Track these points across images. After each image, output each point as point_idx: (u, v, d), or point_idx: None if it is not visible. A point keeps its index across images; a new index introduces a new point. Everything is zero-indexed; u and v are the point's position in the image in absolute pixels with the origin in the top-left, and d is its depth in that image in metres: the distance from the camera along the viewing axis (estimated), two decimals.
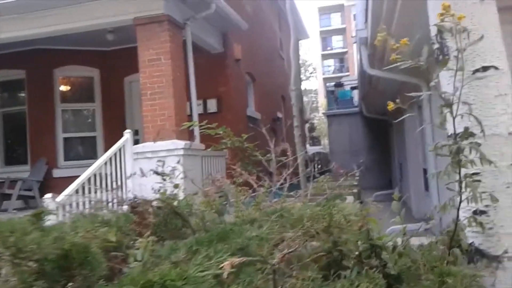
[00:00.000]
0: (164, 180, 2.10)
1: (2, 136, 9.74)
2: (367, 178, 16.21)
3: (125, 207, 2.00)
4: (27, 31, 7.22)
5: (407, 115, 5.67)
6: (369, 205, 2.69)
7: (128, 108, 9.79)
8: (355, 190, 6.67)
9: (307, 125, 30.64)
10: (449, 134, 1.34)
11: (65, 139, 9.59)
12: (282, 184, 3.16)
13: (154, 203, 1.65)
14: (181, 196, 1.98)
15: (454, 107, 1.29)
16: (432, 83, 1.40)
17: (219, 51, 9.20)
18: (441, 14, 1.32)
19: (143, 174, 2.28)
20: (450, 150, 1.25)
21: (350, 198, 6.27)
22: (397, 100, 1.45)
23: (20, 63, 9.20)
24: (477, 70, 1.43)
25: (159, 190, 2.00)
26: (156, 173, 2.13)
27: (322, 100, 48.59)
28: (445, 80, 1.48)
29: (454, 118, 1.30)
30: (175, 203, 1.71)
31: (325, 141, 42.86)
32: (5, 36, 7.30)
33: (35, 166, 9.15)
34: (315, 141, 46.05)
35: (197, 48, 8.03)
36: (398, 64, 1.41)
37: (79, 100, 9.91)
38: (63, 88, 9.78)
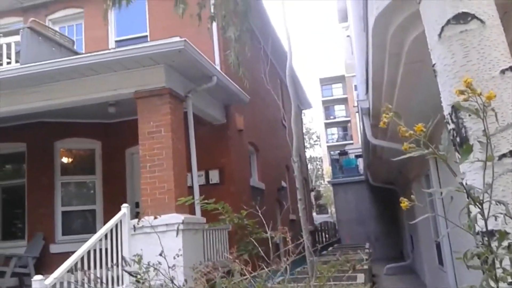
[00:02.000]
0: (138, 282, 1.85)
1: (0, 210, 9.53)
2: (377, 248, 15.63)
3: None
4: (29, 104, 7.24)
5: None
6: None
7: (129, 180, 9.63)
8: (365, 266, 6.26)
9: (312, 193, 30.27)
10: (477, 232, 1.09)
11: (64, 212, 9.36)
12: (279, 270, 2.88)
13: None
14: None
15: (486, 205, 1.05)
16: (458, 179, 1.16)
17: (221, 122, 9.18)
18: (461, 92, 1.12)
19: (126, 263, 2.03)
20: (483, 260, 1.01)
21: (361, 276, 5.87)
22: (412, 196, 1.22)
23: (21, 136, 9.19)
24: (504, 155, 1.18)
25: (138, 282, 1.74)
26: (128, 273, 1.88)
27: (327, 168, 48.52)
28: (465, 165, 1.25)
29: (486, 221, 1.06)
30: None
31: (332, 208, 42.23)
32: (6, 109, 7.33)
33: (31, 241, 8.88)
34: (322, 209, 45.38)
35: (198, 120, 8.00)
36: (412, 154, 1.19)
37: (80, 172, 9.80)
38: (64, 160, 9.70)
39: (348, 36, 16.14)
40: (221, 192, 8.33)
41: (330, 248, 14.08)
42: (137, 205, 8.93)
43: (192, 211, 6.94)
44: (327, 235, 21.81)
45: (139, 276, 1.83)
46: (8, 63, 7.90)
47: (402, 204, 1.22)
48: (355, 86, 27.07)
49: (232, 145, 9.41)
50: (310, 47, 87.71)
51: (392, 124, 1.38)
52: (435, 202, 6.88)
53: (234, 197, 8.65)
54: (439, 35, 1.34)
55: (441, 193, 1.23)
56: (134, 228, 4.18)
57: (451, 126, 1.27)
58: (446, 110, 1.31)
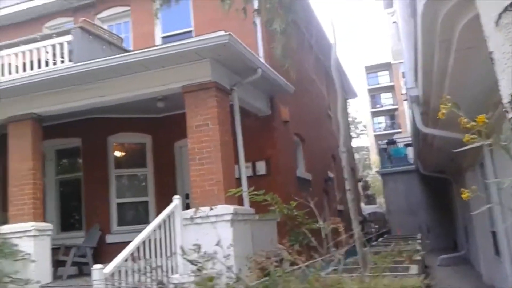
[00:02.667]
0: (200, 270, 1.93)
1: (59, 203, 10.03)
2: (429, 239, 15.24)
3: None
4: (83, 101, 7.56)
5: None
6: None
7: (178, 172, 9.87)
8: (418, 257, 6.13)
9: (360, 184, 29.81)
10: None
11: (118, 204, 9.71)
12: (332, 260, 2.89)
13: None
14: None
15: None
16: None
17: (266, 114, 9.23)
18: None
19: (183, 253, 2.12)
20: None
21: (414, 267, 5.76)
22: (474, 187, 1.20)
23: (76, 131, 9.61)
24: None
25: (199, 270, 1.83)
26: (189, 261, 1.96)
27: (374, 157, 47.66)
28: None
29: None
30: None
31: (380, 199, 41.46)
32: (62, 106, 7.72)
33: (89, 232, 9.26)
34: (370, 199, 44.61)
35: (244, 112, 8.07)
36: (474, 145, 1.17)
37: (132, 165, 10.12)
38: (117, 154, 10.05)
39: (394, 22, 15.71)
40: (268, 183, 8.39)
41: (381, 239, 13.87)
42: (187, 196, 9.15)
43: (240, 203, 7.04)
44: (376, 226, 21.50)
45: (199, 265, 1.91)
46: (62, 62, 8.23)
47: (463, 195, 1.21)
48: (403, 73, 26.36)
49: (278, 136, 9.44)
50: (354, 35, 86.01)
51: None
52: (491, 191, 6.64)
53: (281, 188, 8.68)
54: (496, 22, 1.30)
55: (502, 183, 1.21)
56: (192, 218, 4.34)
57: (510, 114, 1.23)
58: (506, 99, 1.27)
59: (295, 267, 2.57)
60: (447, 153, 9.89)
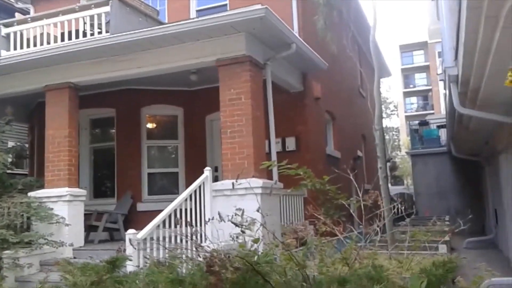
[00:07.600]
0: (243, 232, 2.00)
1: (92, 170, 10.32)
2: (457, 222, 15.09)
3: (203, 255, 1.91)
4: (118, 72, 7.70)
5: None
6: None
7: (209, 145, 10.00)
8: (446, 238, 6.12)
9: (388, 164, 29.53)
10: None
11: (149, 174, 9.92)
12: (368, 233, 2.92)
13: (233, 259, 1.53)
14: (260, 248, 1.85)
15: None
16: None
17: (298, 90, 9.18)
18: None
19: (221, 219, 2.19)
20: None
21: (443, 247, 5.77)
22: None
23: (111, 102, 9.79)
24: None
25: (237, 237, 1.90)
26: (235, 224, 2.03)
27: (404, 138, 46.95)
28: None
29: None
30: (255, 258, 1.57)
31: (408, 181, 41.04)
32: (97, 77, 7.89)
33: (121, 199, 9.52)
34: (397, 180, 44.19)
35: (276, 87, 8.06)
36: None
37: (164, 137, 10.30)
38: (149, 125, 10.23)
39: None
40: (296, 159, 8.28)
41: (407, 219, 13.78)
42: (216, 169, 9.28)
43: (269, 177, 7.10)
44: (403, 207, 21.34)
45: (243, 227, 1.99)
46: (99, 33, 8.34)
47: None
48: (439, 53, 25.57)
49: (309, 113, 9.40)
50: (389, 12, 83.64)
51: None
52: None
53: (310, 165, 8.57)
54: None
55: None
56: (233, 186, 4.45)
57: None
58: None
59: (331, 238, 2.62)
60: (482, 135, 9.68)
